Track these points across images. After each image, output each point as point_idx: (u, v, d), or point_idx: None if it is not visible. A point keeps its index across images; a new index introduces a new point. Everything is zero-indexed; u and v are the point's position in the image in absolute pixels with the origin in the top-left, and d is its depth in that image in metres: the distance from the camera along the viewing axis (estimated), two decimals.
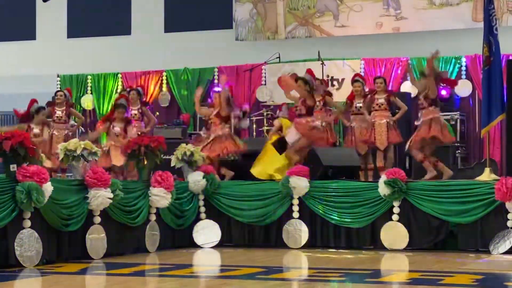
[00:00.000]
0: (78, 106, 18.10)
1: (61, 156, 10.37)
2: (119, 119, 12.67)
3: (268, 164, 12.76)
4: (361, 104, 12.95)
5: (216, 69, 17.39)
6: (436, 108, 12.11)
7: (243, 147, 12.78)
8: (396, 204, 11.18)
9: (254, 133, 15.56)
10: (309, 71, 13.22)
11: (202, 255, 11.27)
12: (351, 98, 13.19)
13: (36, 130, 12.53)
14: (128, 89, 14.54)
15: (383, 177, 11.21)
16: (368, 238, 11.42)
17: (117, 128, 12.54)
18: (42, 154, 9.67)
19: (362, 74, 16.28)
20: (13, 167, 8.88)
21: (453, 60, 15.91)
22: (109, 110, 13.40)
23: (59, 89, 12.96)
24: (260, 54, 16.57)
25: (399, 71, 16.23)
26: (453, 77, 15.56)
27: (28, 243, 8.85)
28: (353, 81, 13.26)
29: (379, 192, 11.23)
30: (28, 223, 8.92)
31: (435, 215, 11.04)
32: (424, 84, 12.25)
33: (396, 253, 10.98)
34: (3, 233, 8.68)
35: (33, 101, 12.84)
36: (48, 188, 8.99)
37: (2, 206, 8.61)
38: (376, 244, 11.32)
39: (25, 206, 8.78)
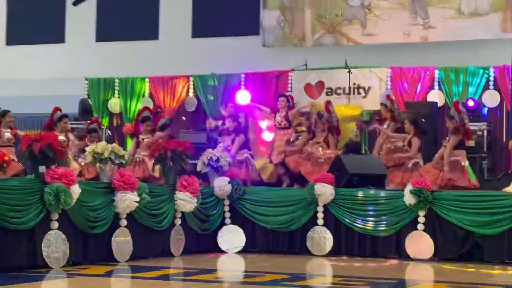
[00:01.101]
0: (106, 109, 18.20)
1: (88, 158, 10.44)
2: (147, 132, 12.71)
3: None
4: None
5: (242, 75, 17.42)
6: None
7: None
8: (421, 213, 11.15)
9: None
10: None
11: (227, 260, 11.30)
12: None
13: (61, 137, 12.55)
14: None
15: (409, 186, 11.18)
16: (393, 247, 11.39)
17: (147, 139, 12.57)
18: (70, 157, 9.71)
19: (389, 82, 16.28)
20: (41, 169, 8.97)
21: (481, 71, 15.81)
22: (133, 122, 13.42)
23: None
24: (287, 61, 16.57)
25: (426, 80, 16.16)
26: (481, 88, 15.50)
27: (55, 245, 8.92)
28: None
29: (404, 201, 11.20)
30: (55, 224, 8.99)
31: (460, 226, 11.00)
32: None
33: (421, 263, 10.94)
34: (31, 234, 8.75)
35: (56, 109, 12.91)
36: (75, 190, 9.05)
37: (31, 207, 8.69)
38: (401, 253, 11.29)
39: (53, 208, 8.85)
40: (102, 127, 16.17)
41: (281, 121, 13.68)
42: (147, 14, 18.96)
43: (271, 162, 13.39)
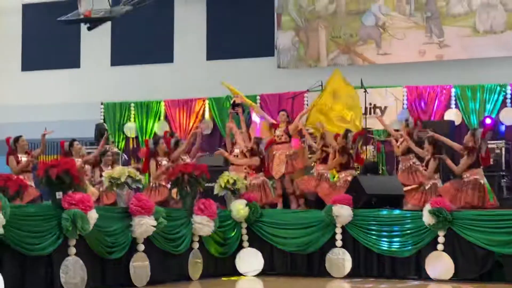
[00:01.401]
0: (121, 133, 18.24)
1: (105, 183, 10.43)
2: (163, 153, 12.68)
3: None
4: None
5: (258, 97, 17.41)
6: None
7: None
8: (441, 233, 11.05)
9: None
10: None
11: (245, 283, 11.24)
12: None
13: (78, 163, 12.52)
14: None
15: (428, 206, 11.09)
16: (412, 268, 11.30)
17: (165, 161, 12.53)
18: (87, 182, 9.70)
19: (405, 102, 16.23)
20: (58, 195, 8.95)
21: (498, 88, 15.76)
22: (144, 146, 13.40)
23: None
24: (302, 81, 16.54)
25: (442, 99, 16.11)
26: (498, 105, 15.43)
27: (73, 270, 8.88)
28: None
29: (423, 222, 11.11)
30: (73, 250, 8.96)
31: (480, 245, 10.88)
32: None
33: (441, 283, 10.84)
34: (49, 260, 8.72)
35: (63, 142, 12.96)
36: (93, 215, 9.03)
37: (48, 233, 8.67)
38: (420, 274, 11.19)
39: (70, 234, 8.83)
40: (115, 148, 16.14)
41: (281, 135, 13.61)
42: (161, 38, 19.02)
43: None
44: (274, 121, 13.93)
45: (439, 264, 11.03)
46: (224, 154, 13.24)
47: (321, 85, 15.52)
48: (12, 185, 9.71)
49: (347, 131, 13.10)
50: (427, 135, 12.71)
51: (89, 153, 13.52)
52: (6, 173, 10.62)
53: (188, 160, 12.97)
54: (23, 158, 12.39)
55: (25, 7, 20.10)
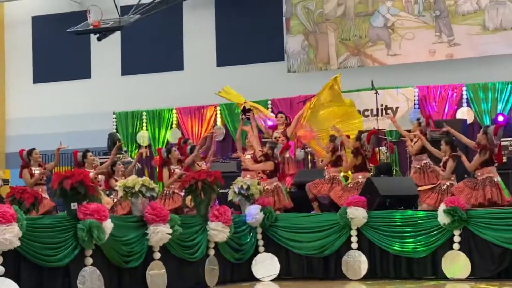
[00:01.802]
0: (134, 143, 18.30)
1: (120, 193, 10.46)
2: (175, 161, 12.72)
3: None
4: None
5: (269, 102, 17.43)
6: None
7: None
8: (456, 232, 11.03)
9: (309, 165, 15.50)
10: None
11: None
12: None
13: (91, 174, 12.53)
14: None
15: (442, 206, 11.07)
16: (429, 268, 11.27)
17: (178, 170, 12.58)
18: (101, 192, 9.72)
19: (417, 102, 16.23)
20: (73, 206, 8.98)
21: (510, 85, 15.72)
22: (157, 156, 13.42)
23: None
24: (313, 85, 16.52)
25: (454, 98, 16.09)
26: (510, 103, 15.39)
27: (90, 281, 8.90)
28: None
29: (438, 221, 11.09)
30: (89, 260, 8.98)
31: (497, 243, 10.85)
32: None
33: (458, 283, 10.81)
34: (66, 271, 8.74)
35: (76, 152, 12.97)
36: (108, 225, 9.05)
37: (64, 244, 8.69)
38: (437, 274, 11.16)
39: (86, 244, 8.85)
40: (128, 158, 16.19)
41: (279, 137, 13.66)
42: (171, 46, 19.08)
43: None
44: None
45: (456, 264, 11.00)
46: (241, 157, 13.25)
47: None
48: (28, 197, 9.75)
49: (360, 133, 13.09)
50: (442, 130, 12.69)
51: (101, 163, 13.55)
52: (20, 185, 10.67)
53: (204, 166, 13.01)
54: (37, 171, 12.44)
55: (35, 19, 20.19)
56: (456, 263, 11.00)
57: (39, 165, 12.58)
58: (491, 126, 12.32)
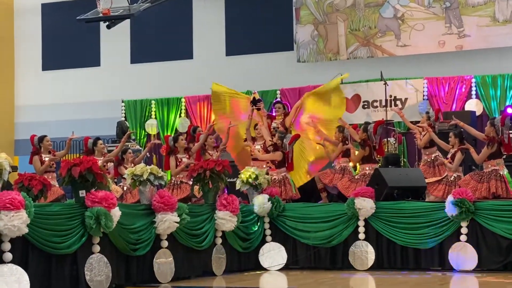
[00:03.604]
0: (143, 131, 18.33)
1: (128, 181, 10.48)
2: (182, 150, 12.73)
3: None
4: None
5: (278, 91, 17.42)
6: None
7: None
8: (464, 224, 11.03)
9: None
10: None
11: (269, 278, 11.25)
12: None
13: (100, 162, 12.53)
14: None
15: (450, 198, 11.06)
16: (436, 259, 11.28)
17: (185, 159, 12.59)
18: (109, 180, 9.74)
19: (426, 93, 16.20)
20: (82, 193, 9.01)
21: None
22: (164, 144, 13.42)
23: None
24: (322, 75, 16.52)
25: (463, 90, 16.05)
26: None
27: (97, 268, 8.94)
28: None
29: (446, 213, 11.08)
30: (97, 248, 9.02)
31: (504, 235, 10.85)
32: None
33: (465, 274, 10.81)
34: (73, 258, 8.78)
35: (87, 139, 12.97)
36: (116, 213, 9.08)
37: (72, 231, 8.73)
38: (444, 265, 11.18)
39: (94, 232, 8.88)
40: (137, 146, 16.21)
41: (278, 128, 13.67)
42: (180, 34, 19.06)
43: None
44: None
45: (463, 255, 11.00)
46: (251, 147, 13.25)
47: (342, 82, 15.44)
48: (36, 184, 9.77)
49: (367, 123, 13.08)
50: (451, 122, 12.67)
51: (110, 151, 13.58)
52: (29, 172, 10.69)
53: (215, 155, 13.03)
54: (46, 158, 12.47)
55: (44, 6, 20.19)
56: (463, 255, 11.00)
57: (49, 152, 12.61)
58: (497, 117, 12.31)
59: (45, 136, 12.69)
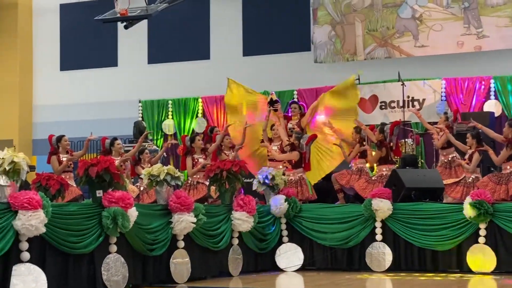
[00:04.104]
0: (159, 131, 18.35)
1: (145, 181, 10.49)
2: (199, 150, 12.73)
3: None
4: None
5: (295, 92, 17.40)
6: None
7: None
8: (482, 226, 10.96)
9: None
10: None
11: (286, 278, 11.23)
12: None
13: (117, 161, 12.53)
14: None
15: (468, 199, 11.00)
16: (454, 261, 11.23)
17: (202, 159, 12.60)
18: (126, 180, 9.75)
19: (444, 94, 16.13)
20: (99, 193, 9.02)
21: None
22: (181, 145, 13.43)
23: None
24: (339, 76, 16.44)
25: (481, 90, 15.96)
26: None
27: (114, 268, 8.95)
28: None
29: (464, 214, 11.02)
30: (114, 248, 9.02)
31: None
32: None
33: (483, 276, 10.75)
34: (91, 258, 8.80)
35: (104, 139, 13.00)
36: (133, 213, 9.09)
37: (89, 231, 8.74)
38: (462, 267, 11.12)
39: (111, 231, 8.89)
40: (153, 146, 16.22)
41: (294, 128, 13.65)
42: (198, 34, 19.06)
43: None
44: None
45: (481, 257, 10.93)
46: (268, 147, 13.25)
47: (358, 79, 15.43)
48: (54, 184, 9.81)
49: (383, 124, 13.04)
50: (469, 124, 12.61)
51: (127, 151, 13.60)
52: (46, 172, 10.73)
53: (231, 156, 13.02)
54: (64, 158, 12.51)
55: (63, 7, 20.25)
56: (482, 257, 10.93)
57: (67, 152, 12.65)
58: None
59: (63, 136, 12.72)
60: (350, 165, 13.18)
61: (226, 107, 15.19)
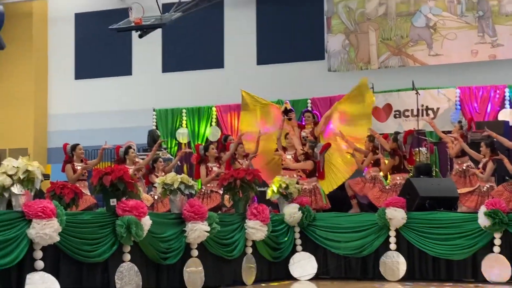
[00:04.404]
0: (173, 140, 18.38)
1: (158, 190, 10.50)
2: (213, 159, 12.76)
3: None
4: None
5: (309, 101, 17.40)
6: None
7: None
8: (497, 235, 10.91)
9: None
10: None
11: (299, 287, 11.20)
12: None
13: (131, 170, 12.54)
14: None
15: (483, 208, 10.95)
16: (468, 271, 11.17)
17: (215, 168, 12.62)
18: (140, 189, 9.77)
19: (458, 103, 16.10)
20: (113, 202, 9.04)
21: None
22: (195, 153, 13.44)
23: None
24: (353, 84, 16.33)
25: (496, 99, 15.92)
26: None
27: (128, 276, 8.96)
28: None
29: (479, 224, 10.98)
30: (128, 256, 9.03)
31: None
32: None
33: (498, 286, 10.70)
34: (104, 267, 8.81)
35: (118, 147, 13.03)
36: (146, 222, 9.10)
37: (103, 240, 8.75)
38: (477, 277, 11.07)
39: (125, 240, 8.90)
40: (167, 154, 16.25)
41: (307, 137, 13.65)
42: (212, 43, 19.10)
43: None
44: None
45: (496, 267, 10.88)
46: (282, 156, 13.25)
47: (372, 88, 15.43)
48: (68, 192, 9.83)
49: (397, 133, 13.02)
50: (483, 134, 12.57)
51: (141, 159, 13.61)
52: (60, 180, 10.76)
53: (245, 164, 13.03)
54: (79, 167, 12.54)
55: (78, 16, 20.35)
56: (496, 266, 10.88)
57: (81, 161, 12.68)
58: None
59: (78, 144, 12.76)
60: (363, 174, 13.16)
61: (240, 119, 15.17)
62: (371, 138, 13.15)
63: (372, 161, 13.02)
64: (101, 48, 19.88)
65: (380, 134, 13.52)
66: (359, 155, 13.27)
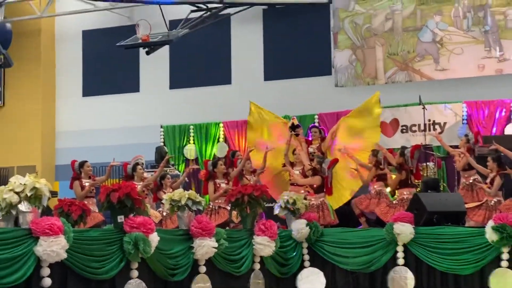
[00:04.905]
0: (181, 156, 18.40)
1: (166, 206, 10.51)
2: (221, 175, 12.77)
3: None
4: None
5: (316, 116, 17.41)
6: None
7: None
8: (505, 250, 10.89)
9: None
10: None
11: None
12: None
13: (139, 187, 12.58)
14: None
15: (491, 223, 10.93)
16: (476, 285, 11.14)
17: (224, 184, 12.64)
18: (147, 206, 9.78)
19: (465, 117, 16.10)
20: (120, 218, 9.05)
21: None
22: (203, 169, 13.47)
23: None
24: (360, 99, 16.39)
25: (503, 114, 15.91)
26: None
27: None
28: None
29: (486, 238, 10.96)
30: (135, 273, 9.03)
31: None
32: None
33: None
34: (112, 284, 8.80)
35: (126, 164, 13.06)
36: (154, 238, 9.10)
37: (111, 257, 8.75)
38: None
39: (132, 257, 8.90)
40: (175, 171, 16.28)
41: (315, 152, 13.66)
42: (219, 60, 19.14)
43: None
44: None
45: (504, 281, 10.85)
46: (290, 171, 13.26)
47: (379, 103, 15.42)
48: (75, 209, 9.85)
49: (403, 148, 13.03)
50: (490, 147, 12.57)
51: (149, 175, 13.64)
52: (68, 197, 10.79)
53: (252, 180, 13.04)
54: (87, 183, 12.57)
55: (85, 33, 20.43)
56: (504, 281, 10.85)
57: (89, 178, 12.71)
58: None
59: (86, 161, 12.80)
60: (369, 190, 13.16)
61: (247, 130, 15.22)
62: (374, 152, 13.17)
63: (375, 176, 13.02)
64: (109, 65, 19.94)
65: (387, 149, 13.52)
66: (363, 170, 13.27)
